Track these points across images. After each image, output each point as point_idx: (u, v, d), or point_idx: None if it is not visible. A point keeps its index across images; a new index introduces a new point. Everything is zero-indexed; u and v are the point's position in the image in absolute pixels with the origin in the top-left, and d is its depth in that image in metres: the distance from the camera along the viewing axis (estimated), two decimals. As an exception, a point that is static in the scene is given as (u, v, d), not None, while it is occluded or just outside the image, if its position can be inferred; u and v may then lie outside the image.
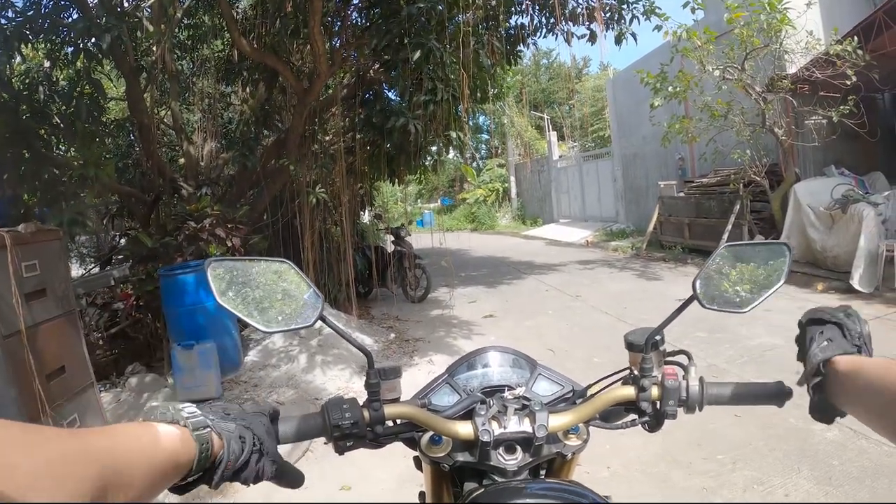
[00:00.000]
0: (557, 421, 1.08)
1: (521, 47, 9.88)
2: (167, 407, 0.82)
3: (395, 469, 3.91)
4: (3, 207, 5.87)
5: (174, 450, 0.75)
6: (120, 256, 7.88)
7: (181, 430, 0.79)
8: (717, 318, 6.78)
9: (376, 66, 8.01)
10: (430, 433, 1.11)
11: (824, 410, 0.94)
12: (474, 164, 32.02)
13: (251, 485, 0.91)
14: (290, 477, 1.00)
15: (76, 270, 8.47)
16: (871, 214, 7.82)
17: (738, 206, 10.86)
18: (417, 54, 6.21)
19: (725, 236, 10.35)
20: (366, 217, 12.52)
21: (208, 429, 0.83)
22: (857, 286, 7.65)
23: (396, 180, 9.44)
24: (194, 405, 0.86)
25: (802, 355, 1.00)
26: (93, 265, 8.86)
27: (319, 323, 1.08)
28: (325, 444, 1.08)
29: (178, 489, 0.81)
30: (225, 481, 0.86)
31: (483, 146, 34.62)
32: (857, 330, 1.00)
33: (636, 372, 1.16)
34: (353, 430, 1.05)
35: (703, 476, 3.68)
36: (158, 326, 6.40)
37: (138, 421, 0.78)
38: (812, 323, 1.02)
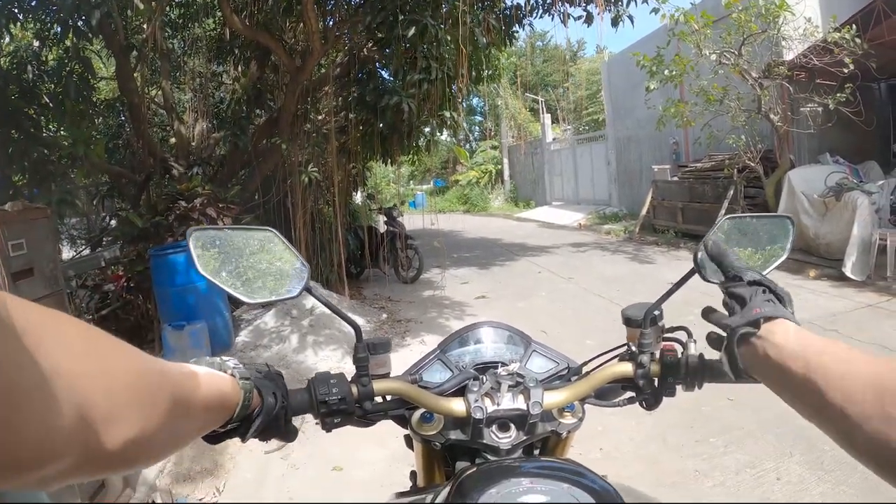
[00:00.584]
0: (552, 398, 1.05)
1: (516, 28, 9.81)
2: (213, 359, 0.84)
3: (387, 450, 3.90)
4: (-9, 187, 5.82)
5: (225, 393, 0.78)
6: (110, 238, 7.83)
7: (229, 378, 0.82)
8: (708, 301, 6.78)
9: (370, 44, 7.94)
10: (421, 410, 1.08)
11: (735, 369, 0.87)
12: (467, 146, 31.98)
13: (263, 440, 0.94)
14: (289, 435, 1.00)
15: (67, 252, 8.43)
16: (865, 203, 7.82)
17: (731, 192, 10.85)
18: (412, 31, 6.15)
19: (718, 221, 10.32)
20: (358, 197, 12.48)
21: (251, 381, 0.85)
22: (849, 274, 7.66)
23: (389, 160, 9.39)
24: (236, 359, 0.88)
25: (734, 306, 0.94)
26: (83, 247, 8.81)
27: (311, 302, 1.05)
28: (315, 422, 1.05)
29: (212, 439, 0.85)
30: (256, 436, 0.88)
31: (476, 128, 34.55)
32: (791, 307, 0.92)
33: (634, 348, 1.13)
34: (340, 405, 1.02)
35: (696, 458, 3.68)
36: (149, 308, 6.36)
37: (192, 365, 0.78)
38: (754, 283, 0.95)
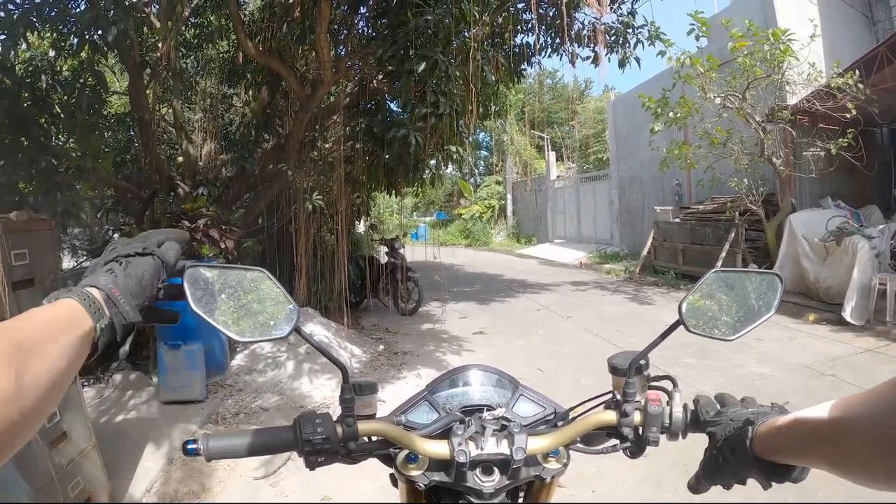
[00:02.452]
0: (536, 443, 1.06)
1: (525, 66, 9.91)
2: (69, 289, 0.84)
3: (377, 482, 3.87)
4: (-3, 195, 5.83)
5: (77, 334, 0.77)
6: (111, 251, 7.81)
7: (70, 300, 0.81)
8: (706, 344, 6.80)
9: (380, 76, 8.00)
10: (406, 451, 1.09)
11: (772, 470, 0.93)
12: (472, 180, 32.08)
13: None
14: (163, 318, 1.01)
15: (68, 262, 8.42)
16: (866, 247, 7.83)
17: (733, 234, 10.88)
18: (423, 66, 6.20)
19: (719, 264, 10.35)
20: (360, 227, 12.51)
21: (93, 288, 0.86)
22: (848, 318, 7.65)
23: (394, 192, 9.42)
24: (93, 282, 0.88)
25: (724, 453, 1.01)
26: (84, 258, 8.80)
27: (309, 329, 1.06)
28: (299, 457, 1.06)
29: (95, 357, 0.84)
30: (135, 310, 0.89)
31: (482, 162, 34.70)
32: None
33: (619, 396, 1.14)
34: (324, 445, 1.04)
35: (689, 501, 3.64)
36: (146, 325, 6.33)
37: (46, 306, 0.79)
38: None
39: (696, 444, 3.30)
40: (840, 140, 9.04)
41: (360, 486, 3.91)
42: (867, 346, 6.85)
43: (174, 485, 3.90)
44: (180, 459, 4.17)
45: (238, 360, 6.34)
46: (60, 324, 0.75)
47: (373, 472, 3.74)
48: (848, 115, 8.69)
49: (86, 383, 5.42)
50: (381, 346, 7.83)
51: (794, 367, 6.19)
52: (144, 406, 5.10)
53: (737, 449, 0.96)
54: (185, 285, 1.00)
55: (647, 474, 4.03)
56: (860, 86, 8.43)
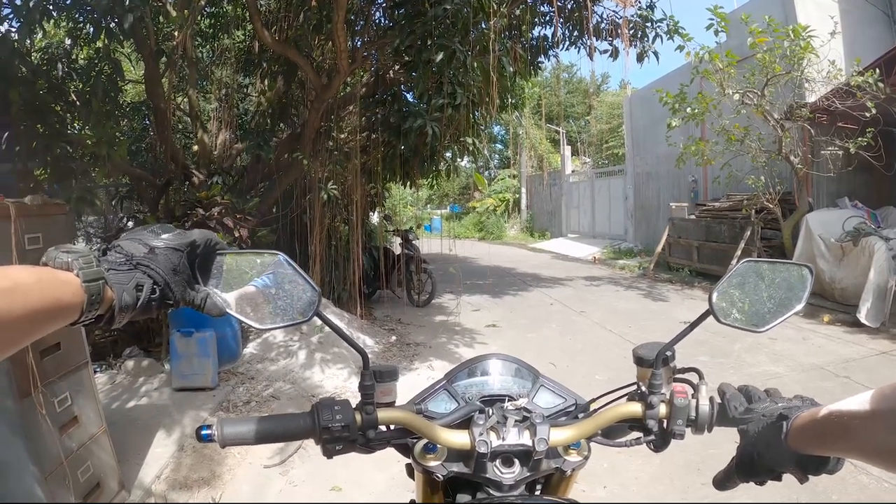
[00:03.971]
0: (559, 435, 1.04)
1: (542, 58, 9.86)
2: (63, 252, 0.80)
3: (387, 473, 3.87)
4: (12, 180, 5.84)
5: (59, 296, 0.74)
6: (125, 238, 7.83)
7: (73, 277, 0.77)
8: (720, 342, 6.77)
9: (397, 66, 7.98)
10: (425, 441, 1.07)
11: (808, 463, 0.93)
12: (487, 174, 32.04)
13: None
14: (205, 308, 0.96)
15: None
16: (883, 248, 7.75)
17: (748, 232, 10.79)
18: (441, 56, 6.17)
19: (734, 262, 10.25)
20: (374, 218, 12.50)
21: (101, 280, 0.80)
22: (863, 320, 7.57)
23: (409, 183, 9.41)
24: (91, 250, 0.83)
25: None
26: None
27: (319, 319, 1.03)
28: (316, 445, 1.04)
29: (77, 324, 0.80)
30: (126, 319, 0.85)
31: (496, 155, 34.63)
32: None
33: (644, 388, 1.12)
34: (343, 433, 1.02)
35: (703, 501, 3.62)
36: (159, 311, 6.35)
37: (35, 265, 0.77)
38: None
39: (710, 444, 3.26)
40: (859, 139, 8.92)
41: (372, 476, 3.90)
42: (882, 349, 6.77)
43: (184, 471, 3.91)
44: (191, 446, 4.18)
45: (250, 349, 6.35)
46: (52, 307, 0.73)
47: (384, 462, 3.75)
48: (867, 115, 8.58)
49: (98, 369, 5.44)
50: (394, 338, 7.82)
51: (808, 368, 6.13)
52: (156, 392, 5.12)
53: (772, 444, 0.95)
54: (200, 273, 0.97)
55: (660, 472, 4.00)
56: (880, 84, 8.32)
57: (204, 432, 0.99)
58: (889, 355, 6.54)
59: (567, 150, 26.26)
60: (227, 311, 0.96)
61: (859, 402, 0.79)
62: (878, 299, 7.61)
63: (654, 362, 1.10)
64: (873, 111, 8.49)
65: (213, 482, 3.89)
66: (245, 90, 10.51)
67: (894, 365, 6.23)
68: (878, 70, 8.45)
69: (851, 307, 7.99)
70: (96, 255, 0.82)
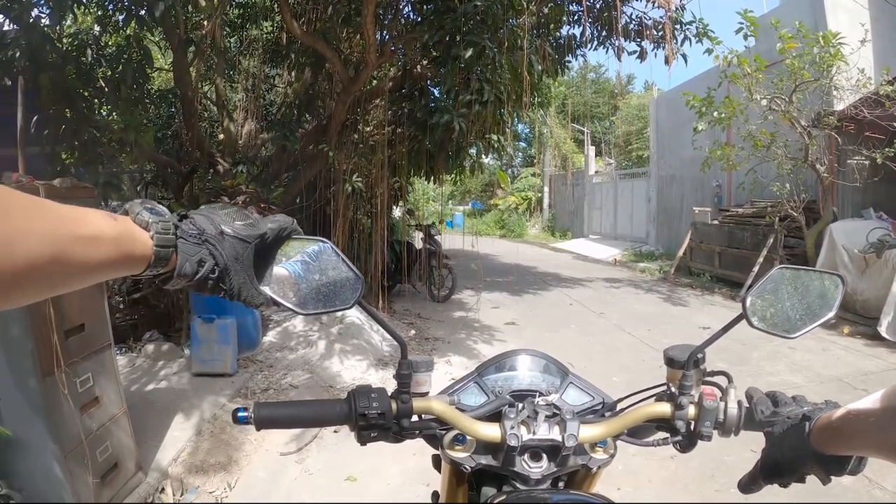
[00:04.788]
0: (588, 432, 1.05)
1: (569, 58, 9.83)
2: (147, 211, 0.82)
3: (403, 465, 3.88)
4: (40, 163, 5.91)
5: (130, 252, 0.77)
6: (149, 224, 7.91)
7: (147, 238, 0.80)
8: (739, 350, 6.73)
9: (425, 61, 7.99)
10: (454, 432, 1.08)
11: (831, 463, 0.94)
12: (510, 171, 32.00)
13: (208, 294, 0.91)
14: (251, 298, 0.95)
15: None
16: (907, 262, 7.65)
17: (771, 240, 10.68)
18: (470, 52, 6.17)
19: (756, 269, 10.18)
20: (397, 212, 12.53)
21: (171, 248, 0.82)
22: (884, 333, 7.45)
23: (433, 178, 9.42)
24: (170, 213, 0.86)
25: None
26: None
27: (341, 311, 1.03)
28: (349, 432, 1.05)
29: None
30: (181, 286, 0.87)
31: (520, 154, 34.57)
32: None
33: (673, 389, 1.13)
34: (379, 420, 1.03)
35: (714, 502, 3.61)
36: (180, 297, 6.41)
37: (117, 213, 0.80)
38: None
39: (725, 451, 3.25)
40: (886, 150, 8.82)
41: (387, 468, 3.92)
42: (900, 364, 6.70)
43: (201, 455, 3.94)
44: (209, 431, 4.21)
45: (269, 337, 6.39)
46: (121, 248, 0.75)
47: (400, 454, 3.75)
48: (895, 125, 8.49)
49: (118, 352, 5.49)
50: (413, 332, 7.84)
51: (826, 379, 6.07)
52: (175, 377, 5.16)
53: (795, 444, 0.96)
54: None
55: (674, 477, 3.99)
56: (909, 95, 8.22)
57: (241, 414, 1.00)
58: (908, 370, 6.47)
59: (591, 150, 26.16)
60: (272, 295, 0.97)
61: (872, 400, 0.82)
62: (900, 313, 7.50)
63: (686, 364, 1.10)
64: (901, 121, 8.39)
65: (230, 467, 3.92)
66: (272, 81, 10.57)
67: (912, 380, 6.16)
68: (907, 80, 8.35)
69: (872, 320, 7.88)
70: (175, 221, 0.85)
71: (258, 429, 1.02)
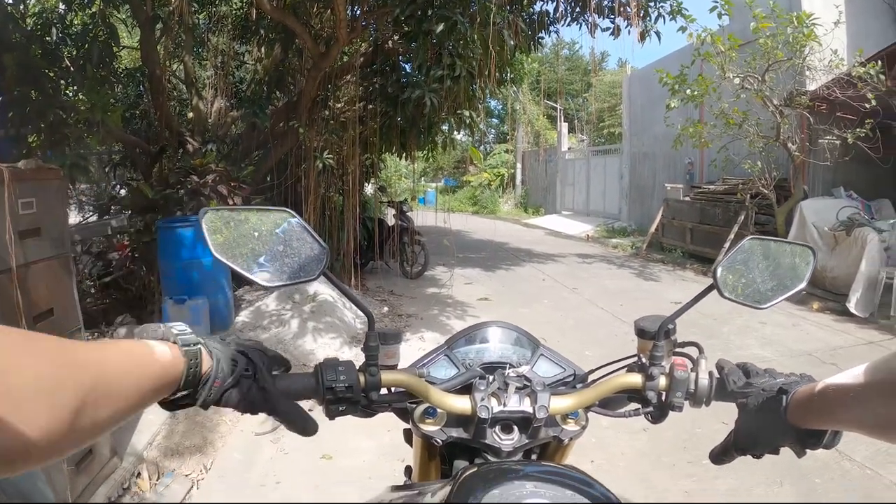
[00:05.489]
0: (559, 403, 1.05)
1: (542, 34, 9.79)
2: (158, 326, 0.82)
3: (377, 441, 3.90)
4: (6, 146, 5.80)
5: (164, 364, 0.76)
6: (118, 206, 7.81)
7: (171, 346, 0.79)
8: (710, 324, 6.81)
9: (396, 36, 7.92)
10: (425, 405, 1.07)
11: (806, 437, 0.95)
12: (482, 148, 31.92)
13: (243, 413, 0.91)
14: (296, 420, 0.97)
15: (75, 217, 8.42)
16: (875, 240, 7.76)
17: (742, 217, 10.79)
18: (441, 27, 6.12)
19: (727, 245, 10.27)
20: (369, 189, 12.48)
21: (199, 346, 0.82)
22: (853, 309, 7.59)
23: (405, 154, 9.38)
24: (185, 325, 0.85)
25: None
26: (91, 213, 8.79)
27: (314, 288, 1.03)
28: (318, 406, 1.03)
29: (168, 405, 0.82)
30: (213, 402, 0.85)
31: (493, 130, 34.48)
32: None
33: (644, 360, 1.13)
34: (346, 394, 1.01)
35: (687, 479, 3.66)
36: (151, 279, 6.36)
37: (129, 339, 0.77)
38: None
39: (697, 423, 3.30)
40: (857, 130, 8.89)
41: (362, 444, 3.93)
42: (869, 339, 6.81)
43: (177, 438, 3.92)
44: (183, 413, 4.19)
45: (242, 317, 6.36)
46: (148, 368, 0.73)
47: (375, 431, 3.75)
48: (867, 106, 8.53)
49: (90, 336, 5.43)
50: (386, 309, 7.85)
51: (796, 354, 6.17)
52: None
53: (771, 418, 0.97)
54: (204, 229, 0.97)
55: (647, 448, 4.05)
56: (882, 77, 8.25)
57: None
58: (877, 345, 6.58)
59: (564, 126, 26.12)
60: (234, 267, 0.97)
61: (853, 375, 0.81)
62: (868, 290, 7.63)
63: (657, 334, 1.11)
64: (873, 103, 8.43)
65: (205, 449, 3.91)
66: (241, 57, 10.42)
67: (881, 355, 6.25)
68: (880, 62, 8.38)
69: (841, 296, 8.01)
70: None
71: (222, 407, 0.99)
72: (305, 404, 1.00)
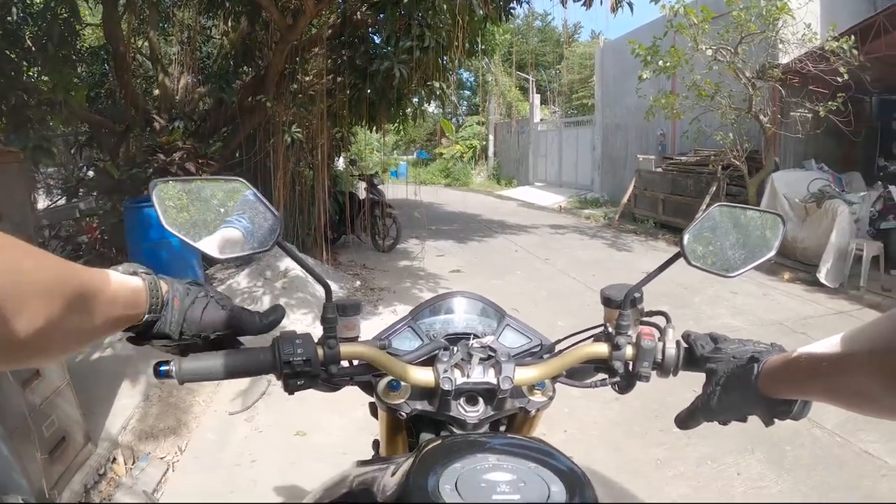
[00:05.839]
0: (524, 374, 1.03)
1: (514, 4, 9.71)
2: (124, 265, 0.88)
3: (350, 417, 3.90)
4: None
5: (133, 287, 0.84)
6: (86, 189, 7.69)
7: (135, 276, 0.87)
8: (681, 293, 6.88)
9: (364, 7, 7.82)
10: (388, 378, 1.05)
11: (775, 407, 0.94)
12: (454, 120, 31.77)
13: (212, 336, 0.96)
14: (265, 319, 1.01)
15: (42, 202, 8.27)
16: (846, 212, 7.86)
17: (714, 188, 10.88)
18: (409, -4, 6.06)
19: (699, 216, 10.32)
20: (340, 162, 12.38)
21: (155, 276, 0.90)
22: (823, 280, 7.70)
23: (375, 127, 9.31)
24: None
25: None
26: (59, 196, 8.65)
27: (285, 264, 1.01)
28: (277, 381, 1.02)
29: (142, 337, 0.90)
30: (178, 324, 0.90)
31: (465, 102, 34.33)
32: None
33: (611, 329, 1.12)
34: (304, 367, 0.98)
35: (658, 447, 3.71)
36: (121, 261, 6.27)
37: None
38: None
39: (668, 392, 3.33)
40: (829, 103, 8.96)
41: (335, 420, 3.93)
42: (839, 309, 6.93)
43: (151, 421, 3.89)
44: (157, 396, 4.15)
45: (214, 296, 6.30)
46: (122, 287, 0.81)
47: (346, 406, 3.75)
48: (839, 80, 8.59)
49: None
50: (358, 282, 7.83)
51: (767, 323, 6.25)
52: (119, 343, 5.02)
53: (741, 386, 0.96)
54: (155, 202, 0.95)
55: (619, 418, 4.09)
56: (854, 51, 8.28)
57: (161, 368, 0.94)
58: (846, 315, 6.69)
59: (536, 98, 26.05)
60: (186, 239, 0.96)
61: (828, 345, 0.80)
62: (838, 261, 7.73)
63: (623, 303, 1.09)
64: (845, 77, 8.48)
65: (179, 430, 3.89)
66: (208, 32, 10.23)
67: (850, 325, 6.30)
68: (853, 36, 8.41)
69: (812, 267, 8.12)
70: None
71: (181, 382, 0.96)
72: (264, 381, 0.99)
